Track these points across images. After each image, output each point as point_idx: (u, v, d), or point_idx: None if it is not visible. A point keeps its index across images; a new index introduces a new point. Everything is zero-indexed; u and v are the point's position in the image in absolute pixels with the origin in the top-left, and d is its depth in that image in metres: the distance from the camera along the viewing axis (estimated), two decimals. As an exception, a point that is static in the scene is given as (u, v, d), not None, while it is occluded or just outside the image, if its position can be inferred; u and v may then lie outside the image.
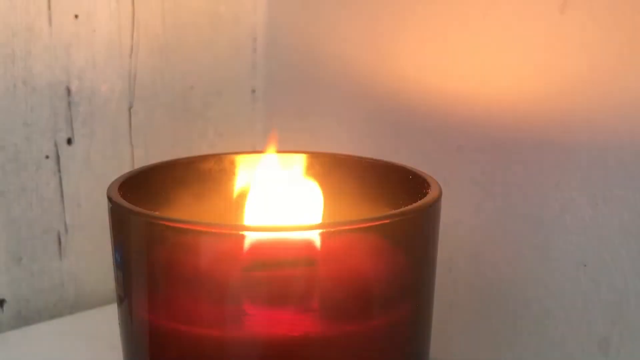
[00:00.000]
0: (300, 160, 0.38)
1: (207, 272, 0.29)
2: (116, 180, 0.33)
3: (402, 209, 0.31)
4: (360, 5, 0.46)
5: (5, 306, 0.45)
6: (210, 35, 0.51)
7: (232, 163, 0.38)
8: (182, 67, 0.50)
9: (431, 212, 0.32)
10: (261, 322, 0.29)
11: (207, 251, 0.29)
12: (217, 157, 0.38)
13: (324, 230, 0.29)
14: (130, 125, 0.48)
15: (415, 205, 0.31)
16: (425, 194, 0.32)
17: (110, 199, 0.31)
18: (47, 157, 0.45)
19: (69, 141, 0.46)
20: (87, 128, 0.46)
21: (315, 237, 0.28)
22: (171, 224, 0.29)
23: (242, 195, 0.38)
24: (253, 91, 0.53)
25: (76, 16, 0.45)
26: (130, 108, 0.48)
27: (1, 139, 0.43)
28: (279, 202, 0.35)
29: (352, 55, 0.46)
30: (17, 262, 0.45)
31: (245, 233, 0.29)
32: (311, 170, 0.38)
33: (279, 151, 0.38)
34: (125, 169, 0.46)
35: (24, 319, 0.46)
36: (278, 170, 0.37)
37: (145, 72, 0.48)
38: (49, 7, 0.44)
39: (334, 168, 0.38)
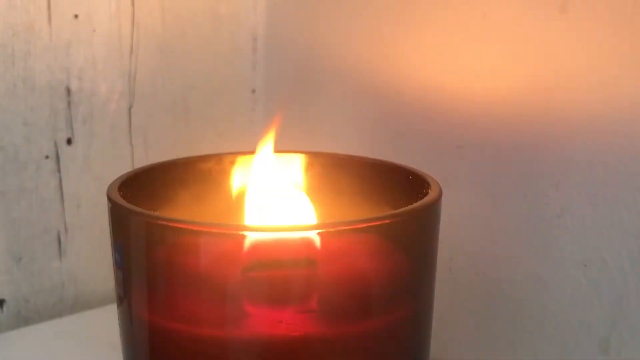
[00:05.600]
0: (300, 160, 0.38)
1: (207, 272, 0.29)
2: (116, 180, 0.33)
3: (402, 209, 0.30)
4: (359, 5, 0.46)
5: (5, 306, 0.45)
6: (210, 35, 0.51)
7: (232, 163, 0.38)
8: (182, 67, 0.50)
9: (431, 212, 0.32)
10: (261, 322, 0.29)
11: (207, 251, 0.29)
12: (217, 157, 0.38)
13: (324, 230, 0.29)
14: (130, 125, 0.48)
15: (415, 205, 0.31)
16: (425, 194, 0.32)
17: (110, 199, 0.31)
18: (47, 157, 0.45)
19: (69, 141, 0.46)
20: (87, 128, 0.46)
21: (315, 237, 0.28)
22: (171, 224, 0.29)
23: (242, 196, 0.38)
24: (253, 91, 0.53)
25: (76, 16, 0.45)
26: (130, 108, 0.48)
27: (1, 139, 0.43)
28: (275, 205, 0.35)
29: (351, 55, 0.46)
30: (17, 262, 0.45)
31: (245, 233, 0.29)
32: (311, 170, 0.38)
33: (279, 151, 0.38)
34: (125, 169, 0.46)
35: (23, 319, 0.46)
36: (277, 171, 0.37)
37: (145, 72, 0.48)
38: (49, 7, 0.44)
39: (334, 168, 0.38)
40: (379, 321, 0.30)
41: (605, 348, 0.37)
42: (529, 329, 0.39)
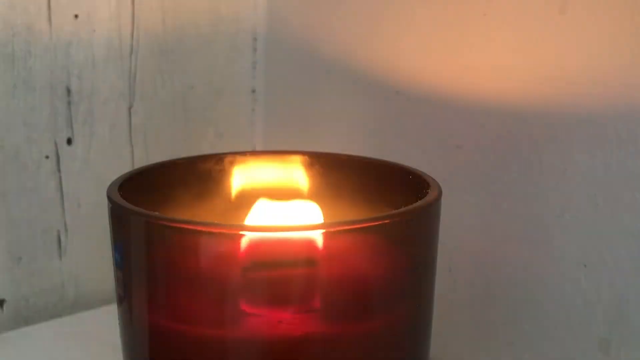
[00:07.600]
0: (300, 160, 0.38)
1: (207, 272, 0.29)
2: (116, 180, 0.33)
3: (402, 209, 0.31)
4: (360, 5, 0.46)
5: (5, 306, 0.45)
6: (210, 35, 0.50)
7: (232, 163, 0.38)
8: (182, 67, 0.50)
9: (431, 212, 0.32)
10: (261, 322, 0.29)
11: (207, 251, 0.29)
12: (217, 157, 0.38)
13: (324, 230, 0.29)
14: (130, 125, 0.48)
15: (415, 205, 0.31)
16: (425, 194, 0.32)
17: (110, 199, 0.31)
18: (47, 157, 0.45)
19: (69, 141, 0.46)
20: (87, 128, 0.46)
21: (315, 237, 0.28)
22: (171, 224, 0.29)
23: (242, 196, 0.38)
24: (253, 91, 0.53)
25: (76, 16, 0.45)
26: (130, 108, 0.48)
27: (1, 139, 0.43)
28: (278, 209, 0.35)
29: (352, 55, 0.46)
30: (17, 262, 0.45)
31: (245, 233, 0.29)
32: (311, 170, 0.38)
33: (279, 151, 0.38)
34: (125, 169, 0.46)
35: (24, 319, 0.46)
36: (278, 171, 0.37)
37: (145, 72, 0.48)
38: (49, 7, 0.44)
39: (334, 168, 0.38)
40: (379, 321, 0.30)
41: (605, 348, 0.37)
42: (529, 329, 0.39)
